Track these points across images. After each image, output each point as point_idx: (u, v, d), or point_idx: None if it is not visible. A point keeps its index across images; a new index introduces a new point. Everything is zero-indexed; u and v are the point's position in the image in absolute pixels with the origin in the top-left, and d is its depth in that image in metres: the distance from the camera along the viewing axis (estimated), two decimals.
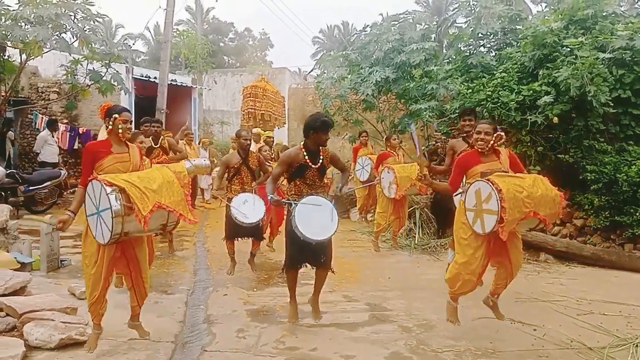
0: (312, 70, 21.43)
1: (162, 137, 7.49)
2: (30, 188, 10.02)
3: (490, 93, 8.01)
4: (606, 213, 7.38)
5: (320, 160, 4.65)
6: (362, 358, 4.08)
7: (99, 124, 14.25)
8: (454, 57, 10.00)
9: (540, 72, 7.92)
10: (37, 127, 13.34)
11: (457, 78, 8.95)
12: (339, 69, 10.88)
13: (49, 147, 11.26)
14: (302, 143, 4.69)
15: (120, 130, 4.00)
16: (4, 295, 4.59)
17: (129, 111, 4.18)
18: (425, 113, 8.68)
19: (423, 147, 10.92)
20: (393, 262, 7.36)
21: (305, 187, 4.63)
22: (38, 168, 11.18)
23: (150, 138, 7.33)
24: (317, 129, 4.52)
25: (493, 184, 4.13)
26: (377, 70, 9.67)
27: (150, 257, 5.45)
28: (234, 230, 6.22)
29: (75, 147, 13.50)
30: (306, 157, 4.59)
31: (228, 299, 5.55)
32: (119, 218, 3.58)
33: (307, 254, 4.61)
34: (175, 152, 7.39)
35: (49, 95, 14.12)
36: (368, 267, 6.97)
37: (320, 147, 4.66)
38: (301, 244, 4.44)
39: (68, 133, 13.47)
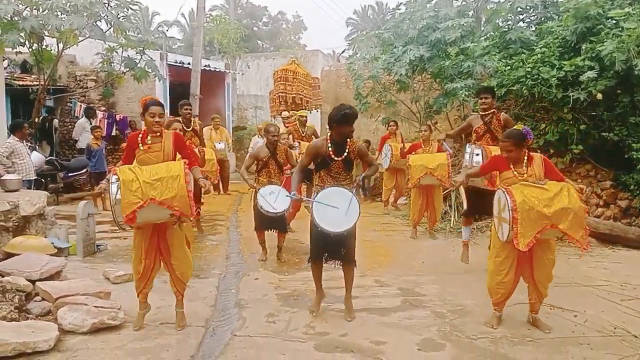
0: (344, 52, 21.04)
1: (193, 120, 7.55)
2: (69, 174, 10.28)
3: (530, 69, 7.67)
4: None
5: (346, 153, 4.51)
6: (394, 344, 3.99)
7: (136, 110, 14.47)
8: (492, 33, 9.62)
9: (583, 47, 7.52)
10: (76, 114, 13.61)
11: (495, 55, 8.60)
12: (372, 49, 10.62)
13: (86, 134, 11.46)
14: (328, 134, 4.56)
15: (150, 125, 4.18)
16: (40, 279, 4.70)
17: (159, 104, 4.25)
18: (461, 92, 8.39)
19: (458, 128, 10.65)
20: (427, 246, 7.20)
21: (330, 178, 4.50)
22: (77, 155, 11.43)
23: (181, 122, 7.38)
24: (339, 121, 4.37)
25: (508, 194, 4.03)
26: (411, 49, 9.38)
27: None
28: (261, 221, 6.29)
29: (113, 133, 13.74)
30: (330, 149, 4.46)
31: (259, 283, 5.55)
32: (118, 207, 3.78)
33: (328, 247, 4.49)
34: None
35: (86, 83, 14.36)
36: (401, 251, 6.84)
37: (347, 139, 4.53)
38: (321, 236, 4.36)
39: (106, 120, 13.70)
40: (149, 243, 4.15)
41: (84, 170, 10.20)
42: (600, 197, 7.65)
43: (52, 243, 5.95)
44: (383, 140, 9.99)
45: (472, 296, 5.06)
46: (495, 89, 8.23)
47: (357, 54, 11.94)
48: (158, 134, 4.20)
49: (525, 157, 4.33)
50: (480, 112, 5.80)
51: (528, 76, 7.69)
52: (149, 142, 4.18)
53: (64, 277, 5.08)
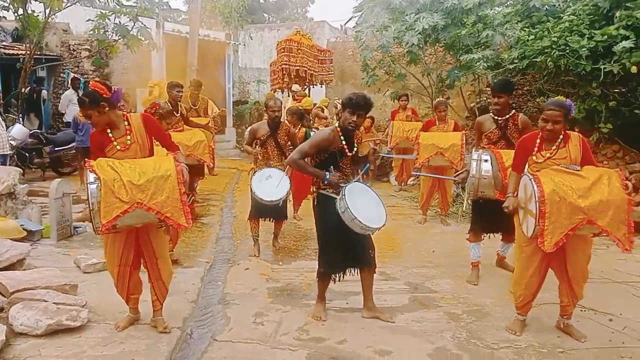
0: (349, 20, 19.90)
1: (180, 105, 6.90)
2: (56, 149, 9.66)
3: (556, 39, 6.89)
4: None
5: (355, 148, 3.89)
6: (401, 355, 3.40)
7: (132, 82, 13.82)
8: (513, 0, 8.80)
9: (617, 14, 6.71)
10: (69, 86, 12.97)
11: (517, 23, 7.81)
12: (381, 17, 9.80)
13: (73, 106, 10.70)
14: (337, 125, 3.89)
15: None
16: None
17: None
18: (478, 64, 7.63)
19: (472, 104, 9.92)
20: (438, 233, 6.56)
21: (342, 176, 3.84)
22: (64, 128, 10.80)
23: (168, 103, 6.74)
24: (346, 105, 3.73)
25: (536, 181, 3.38)
26: (424, 17, 8.58)
27: (175, 239, 4.92)
28: (258, 208, 5.46)
29: None
30: (343, 142, 3.80)
31: (249, 274, 4.94)
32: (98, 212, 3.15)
33: (353, 254, 3.86)
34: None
35: (80, 52, 13.68)
36: (409, 239, 6.20)
37: (354, 133, 3.89)
38: (345, 243, 3.76)
39: None
40: (125, 244, 3.51)
41: (71, 145, 9.55)
42: (629, 181, 6.94)
43: (22, 225, 5.38)
44: (393, 115, 9.32)
45: (490, 293, 4.47)
46: (516, 61, 7.53)
47: (364, 23, 11.11)
48: (126, 122, 3.46)
49: (561, 137, 3.65)
50: (492, 115, 4.79)
51: (554, 46, 6.92)
52: (112, 135, 3.43)
53: (28, 266, 4.52)
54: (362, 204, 3.63)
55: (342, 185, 3.68)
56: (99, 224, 3.12)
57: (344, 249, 3.81)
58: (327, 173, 3.69)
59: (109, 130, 3.43)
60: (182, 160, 3.53)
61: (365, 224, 3.56)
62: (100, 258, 4.82)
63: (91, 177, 3.15)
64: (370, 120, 10.20)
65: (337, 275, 3.93)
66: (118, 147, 3.41)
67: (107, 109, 3.36)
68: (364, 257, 3.89)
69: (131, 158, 3.37)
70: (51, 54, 13.21)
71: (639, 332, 3.72)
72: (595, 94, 7.07)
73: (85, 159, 3.33)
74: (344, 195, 3.59)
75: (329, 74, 12.33)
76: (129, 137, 3.44)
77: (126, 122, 3.47)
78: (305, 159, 3.83)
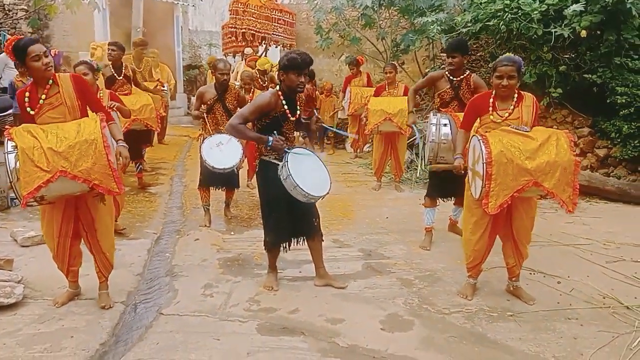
0: None
1: (124, 64, 6.56)
2: None
3: (508, 2, 6.86)
4: (635, 142, 6.51)
5: (298, 112, 3.73)
6: (353, 322, 3.34)
7: (73, 45, 13.07)
8: None
9: None
10: (4, 49, 12.14)
11: None
12: None
13: (9, 70, 10.04)
14: (277, 88, 3.69)
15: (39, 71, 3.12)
16: None
17: (36, 42, 3.14)
18: (432, 27, 7.54)
19: (427, 70, 9.87)
20: (391, 199, 6.54)
21: (286, 142, 3.67)
22: (0, 94, 10.12)
23: (110, 66, 6.37)
24: (289, 66, 3.53)
25: (484, 142, 3.32)
26: None
27: (118, 209, 4.60)
28: (208, 177, 5.26)
29: None
30: (285, 107, 3.63)
31: (199, 244, 4.78)
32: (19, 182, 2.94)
33: (297, 223, 3.76)
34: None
35: (16, 13, 12.79)
36: (363, 206, 6.16)
37: (297, 95, 3.73)
38: (290, 211, 3.64)
39: None
40: (64, 215, 3.29)
41: (8, 112, 8.94)
42: (577, 145, 7.11)
43: None
44: (347, 82, 9.10)
45: (442, 258, 4.47)
46: (470, 24, 7.48)
47: None
48: (51, 81, 3.17)
49: (515, 96, 3.60)
50: (447, 74, 4.67)
51: (507, 9, 6.90)
52: (43, 97, 3.15)
53: None
54: (305, 171, 3.52)
55: (286, 150, 3.54)
56: (21, 196, 2.90)
57: (288, 217, 3.70)
58: (270, 138, 3.54)
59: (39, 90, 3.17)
60: (119, 136, 3.35)
61: (308, 192, 3.44)
62: (38, 230, 4.56)
63: (9, 145, 2.90)
64: (330, 84, 10.05)
65: (284, 244, 3.83)
66: (45, 106, 3.14)
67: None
68: (309, 226, 3.81)
69: (60, 121, 3.12)
70: None
71: (586, 294, 3.78)
72: (546, 59, 7.13)
73: (7, 128, 3.06)
74: (287, 161, 3.46)
75: (291, 37, 11.93)
76: (56, 96, 3.18)
77: (55, 85, 3.18)
78: (247, 125, 3.66)
